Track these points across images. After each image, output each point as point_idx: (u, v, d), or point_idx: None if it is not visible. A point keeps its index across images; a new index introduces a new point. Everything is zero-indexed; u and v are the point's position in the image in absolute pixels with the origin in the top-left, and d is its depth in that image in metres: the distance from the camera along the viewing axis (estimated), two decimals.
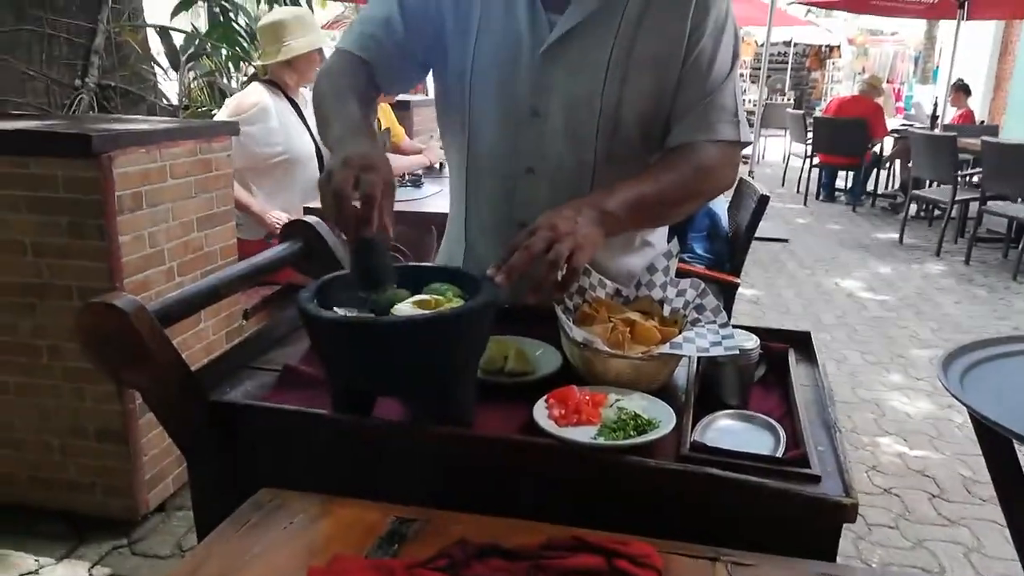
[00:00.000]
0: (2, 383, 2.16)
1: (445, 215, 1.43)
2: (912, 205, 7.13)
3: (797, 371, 1.14)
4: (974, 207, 6.23)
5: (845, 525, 0.84)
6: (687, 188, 1.19)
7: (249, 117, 2.82)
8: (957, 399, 1.31)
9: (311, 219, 1.36)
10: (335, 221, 0.91)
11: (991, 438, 1.46)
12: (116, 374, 0.94)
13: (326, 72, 1.24)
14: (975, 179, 6.55)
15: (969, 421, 1.49)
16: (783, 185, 9.53)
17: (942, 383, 1.36)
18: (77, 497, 2.21)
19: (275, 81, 3.02)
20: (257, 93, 2.94)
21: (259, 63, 3.11)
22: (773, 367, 1.15)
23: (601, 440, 0.89)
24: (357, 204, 0.91)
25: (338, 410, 0.96)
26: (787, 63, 16.76)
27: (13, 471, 2.23)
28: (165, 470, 2.29)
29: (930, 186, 6.88)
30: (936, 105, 8.74)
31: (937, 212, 7.31)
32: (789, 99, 15.74)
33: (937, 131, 7.48)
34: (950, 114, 8.78)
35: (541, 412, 0.94)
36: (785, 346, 1.19)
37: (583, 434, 0.90)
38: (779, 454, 0.91)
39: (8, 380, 2.15)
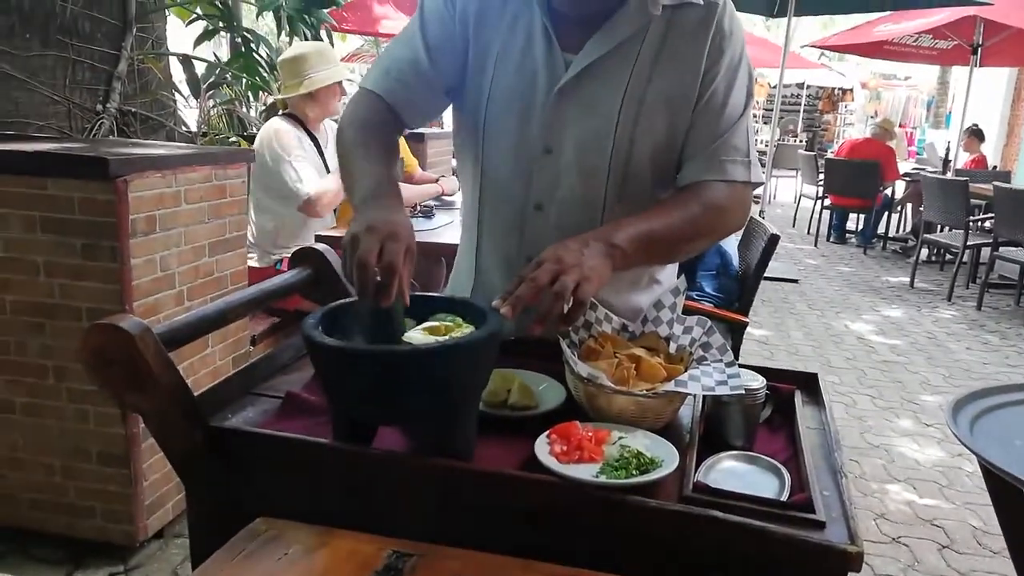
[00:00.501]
0: (8, 403, 2.16)
1: (455, 246, 1.44)
2: (923, 249, 7.11)
3: (803, 413, 1.13)
4: (986, 252, 6.20)
5: (850, 574, 0.82)
6: (696, 226, 1.19)
7: (288, 151, 2.89)
8: (966, 446, 1.29)
9: (320, 247, 1.37)
10: (357, 289, 0.92)
11: (1001, 487, 1.43)
12: (119, 396, 0.94)
13: (350, 119, 1.24)
14: (987, 224, 6.53)
15: (980, 470, 1.47)
16: (794, 226, 9.53)
17: (951, 430, 1.34)
18: (76, 521, 2.20)
19: (295, 115, 3.07)
20: (283, 127, 2.99)
21: (280, 96, 3.16)
22: (779, 408, 1.14)
23: (603, 478, 0.88)
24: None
25: (338, 438, 0.95)
26: (800, 105, 16.88)
27: (14, 492, 2.22)
28: (165, 496, 2.27)
29: (942, 230, 6.86)
30: (948, 150, 8.75)
31: (949, 257, 7.28)
32: (801, 140, 15.83)
33: (949, 176, 7.49)
34: (962, 159, 8.80)
35: (543, 448, 0.93)
36: (792, 387, 1.17)
37: (585, 472, 0.89)
38: (784, 498, 0.90)
39: (14, 400, 2.16)
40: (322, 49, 3.18)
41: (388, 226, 0.95)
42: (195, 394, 0.99)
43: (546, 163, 1.22)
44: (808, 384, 1.22)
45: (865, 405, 3.92)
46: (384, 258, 0.91)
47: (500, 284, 1.26)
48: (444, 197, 3.75)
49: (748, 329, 2.94)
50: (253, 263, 2.98)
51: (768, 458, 0.99)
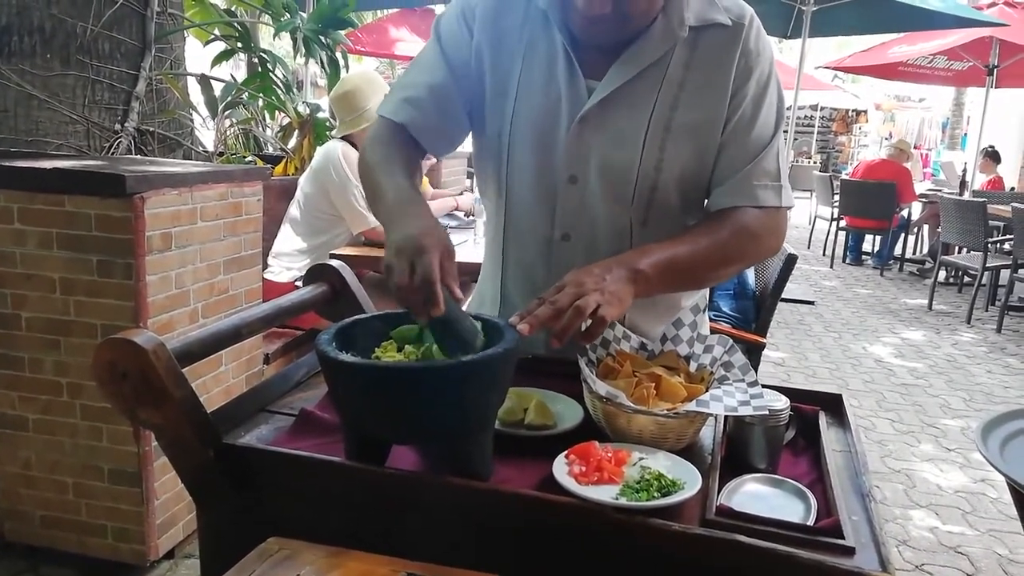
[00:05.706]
0: (21, 419, 2.15)
1: (470, 265, 1.42)
2: (941, 271, 7.04)
3: (828, 435, 1.10)
4: (1005, 275, 6.13)
5: None
6: (724, 251, 1.16)
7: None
8: (998, 470, 1.25)
9: (336, 263, 1.36)
10: (411, 312, 0.93)
11: None
12: (131, 412, 0.93)
13: (371, 143, 1.22)
14: (1007, 246, 6.45)
15: (1004, 496, 1.43)
16: (809, 247, 9.47)
17: (982, 453, 1.30)
18: (87, 539, 2.18)
19: (352, 141, 3.11)
20: (351, 152, 3.03)
21: (338, 133, 3.18)
22: (803, 430, 1.11)
23: (623, 500, 0.86)
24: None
25: (351, 457, 0.93)
26: (813, 127, 16.87)
27: (26, 509, 2.21)
28: (176, 515, 2.26)
29: (960, 252, 6.80)
30: (965, 171, 8.69)
31: (967, 279, 7.20)
32: (815, 162, 15.79)
33: (967, 197, 7.42)
34: (979, 181, 8.73)
35: (561, 468, 0.91)
36: (815, 408, 1.15)
37: (605, 493, 0.87)
38: (810, 522, 0.87)
39: (27, 416, 2.15)
40: (371, 78, 3.24)
41: (413, 241, 0.94)
42: (208, 412, 0.97)
43: (571, 192, 1.19)
44: (832, 406, 1.20)
45: (885, 429, 3.86)
46: (418, 276, 0.91)
47: None
48: (456, 213, 3.75)
49: (764, 351, 2.90)
50: (270, 276, 3.00)
51: (793, 481, 0.96)
